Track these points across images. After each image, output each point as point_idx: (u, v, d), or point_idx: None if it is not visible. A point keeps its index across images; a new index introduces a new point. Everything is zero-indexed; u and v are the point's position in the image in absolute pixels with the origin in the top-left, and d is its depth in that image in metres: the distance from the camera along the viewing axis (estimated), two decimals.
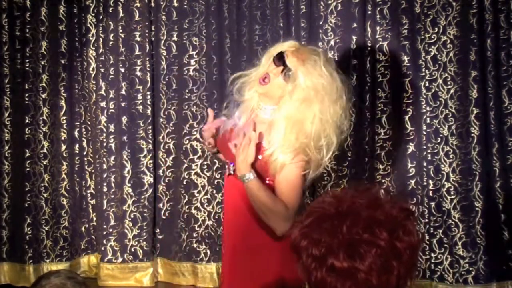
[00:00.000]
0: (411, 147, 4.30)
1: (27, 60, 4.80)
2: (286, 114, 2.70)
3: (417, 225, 1.66)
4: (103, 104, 4.85)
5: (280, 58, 2.75)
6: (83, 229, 4.99)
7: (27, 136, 4.82)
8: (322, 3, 4.40)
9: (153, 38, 4.79)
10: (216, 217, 4.65)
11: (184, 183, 4.67)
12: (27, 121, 4.81)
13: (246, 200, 2.76)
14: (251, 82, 2.85)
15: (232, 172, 2.80)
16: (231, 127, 2.89)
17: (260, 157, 2.73)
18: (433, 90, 4.23)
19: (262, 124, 2.78)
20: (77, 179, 4.98)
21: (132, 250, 4.83)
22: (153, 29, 4.79)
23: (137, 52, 4.79)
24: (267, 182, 2.75)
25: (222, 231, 3.03)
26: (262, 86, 2.76)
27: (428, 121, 4.24)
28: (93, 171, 4.96)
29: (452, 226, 4.20)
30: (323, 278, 1.58)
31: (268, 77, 2.75)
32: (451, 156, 4.21)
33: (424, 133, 4.25)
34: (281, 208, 2.68)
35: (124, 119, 4.81)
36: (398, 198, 1.65)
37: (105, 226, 4.85)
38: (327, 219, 1.60)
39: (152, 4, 4.78)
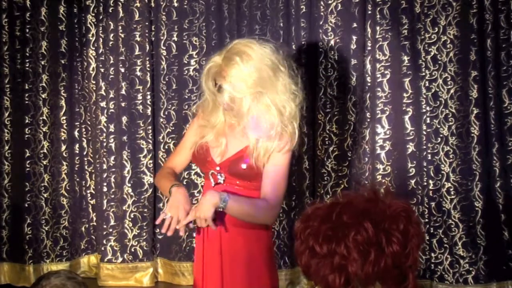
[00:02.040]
0: (411, 147, 4.30)
1: (27, 60, 4.80)
2: (258, 107, 2.79)
3: (420, 227, 1.66)
4: (103, 104, 4.85)
5: (220, 90, 2.82)
6: (83, 229, 4.99)
7: (27, 136, 4.82)
8: (322, 3, 4.40)
9: (153, 38, 4.80)
10: None
11: (184, 183, 4.67)
12: (27, 121, 4.81)
13: None
14: (210, 107, 2.91)
15: (222, 182, 2.87)
16: (205, 142, 2.92)
17: (244, 166, 2.83)
18: (433, 90, 4.23)
19: (236, 130, 2.87)
20: (77, 179, 4.98)
21: (132, 250, 4.83)
22: (153, 29, 4.79)
23: (137, 52, 4.79)
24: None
25: (197, 238, 3.03)
26: (230, 112, 2.84)
27: (428, 121, 4.24)
28: (93, 171, 4.96)
29: (452, 226, 4.20)
30: (307, 261, 1.62)
31: (228, 104, 2.81)
32: (451, 156, 4.21)
33: (424, 133, 4.25)
34: (263, 207, 2.79)
35: (124, 119, 4.81)
36: (399, 198, 1.66)
37: (105, 226, 4.85)
38: (324, 207, 1.64)
39: (152, 4, 4.78)
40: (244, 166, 2.83)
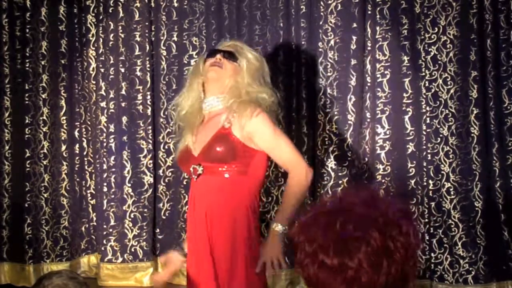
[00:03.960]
0: (411, 147, 4.30)
1: (27, 60, 4.81)
2: (239, 91, 2.92)
3: (417, 226, 1.65)
4: (103, 104, 4.85)
5: (214, 51, 3.00)
6: (83, 229, 4.99)
7: (27, 136, 4.82)
8: (322, 3, 4.40)
9: (153, 38, 4.80)
10: None
11: (184, 183, 4.67)
12: (27, 121, 4.81)
13: (218, 191, 2.89)
14: (187, 94, 3.03)
15: (201, 172, 2.91)
16: (186, 144, 3.00)
17: (232, 134, 2.88)
18: (433, 90, 4.23)
19: (218, 116, 2.95)
20: (77, 179, 4.98)
21: (132, 250, 4.83)
22: (153, 29, 4.79)
23: (137, 52, 4.79)
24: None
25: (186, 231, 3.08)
26: (218, 69, 2.94)
27: (428, 121, 4.24)
28: (93, 171, 4.96)
29: (452, 226, 4.20)
30: (315, 274, 1.59)
31: (217, 60, 2.94)
32: (451, 156, 4.21)
33: (424, 133, 4.25)
34: (294, 184, 2.90)
35: (124, 119, 4.81)
36: (396, 198, 1.65)
37: (105, 226, 4.85)
38: (323, 215, 1.61)
39: (152, 4, 4.78)
40: (219, 148, 2.87)
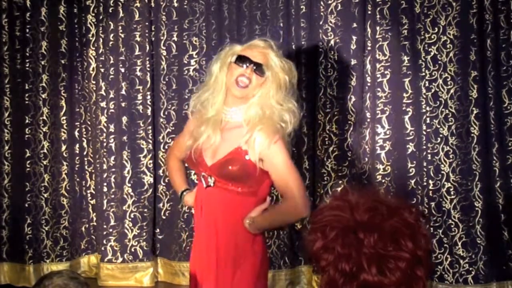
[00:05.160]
0: (411, 147, 4.30)
1: (27, 60, 4.80)
2: (261, 103, 2.83)
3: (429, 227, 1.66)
4: (103, 104, 4.85)
5: (245, 59, 2.84)
6: (83, 229, 4.99)
7: (27, 136, 4.82)
8: (322, 3, 4.40)
9: (153, 38, 4.80)
10: None
11: None
12: (27, 121, 4.81)
13: (226, 208, 2.86)
14: (212, 99, 2.90)
15: (212, 184, 2.87)
16: (199, 144, 2.92)
17: (247, 157, 2.81)
18: (433, 90, 4.23)
19: (236, 128, 2.87)
20: (77, 179, 4.98)
21: (132, 250, 4.83)
22: (153, 29, 4.79)
23: (137, 52, 4.79)
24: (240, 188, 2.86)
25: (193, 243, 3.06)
26: (243, 90, 2.83)
27: (428, 121, 4.24)
28: (93, 171, 4.96)
29: (452, 226, 4.21)
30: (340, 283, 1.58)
31: (246, 79, 2.82)
32: (451, 156, 4.21)
33: (424, 133, 4.25)
34: (285, 208, 2.84)
35: (124, 119, 4.81)
36: (411, 203, 1.65)
37: (105, 226, 4.85)
38: (350, 232, 1.58)
39: (152, 4, 4.78)
40: (232, 168, 2.82)
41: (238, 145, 2.83)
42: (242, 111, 2.86)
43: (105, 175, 4.84)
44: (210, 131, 2.87)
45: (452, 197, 4.21)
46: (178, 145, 3.15)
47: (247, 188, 2.85)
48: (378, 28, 4.31)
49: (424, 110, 4.25)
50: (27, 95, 4.81)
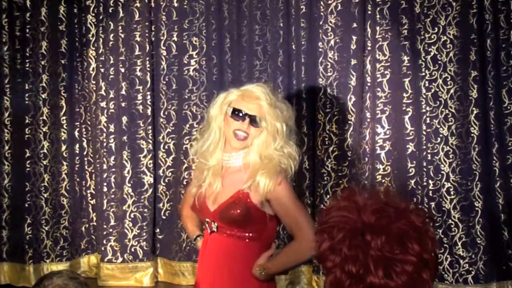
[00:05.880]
0: (411, 147, 4.30)
1: (27, 60, 4.80)
2: (265, 155, 2.84)
3: (435, 230, 1.66)
4: (103, 104, 4.85)
5: (239, 113, 2.85)
6: (83, 229, 4.99)
7: (27, 136, 4.82)
8: (322, 3, 4.40)
9: (153, 38, 4.80)
10: None
11: (184, 183, 4.67)
12: (27, 121, 4.81)
13: (229, 254, 2.86)
14: (212, 147, 2.92)
15: (215, 230, 2.87)
16: (202, 191, 2.93)
17: (249, 200, 2.81)
18: (433, 90, 4.23)
19: (236, 173, 2.89)
20: (77, 179, 4.98)
21: (132, 250, 4.83)
22: (153, 29, 4.79)
23: (137, 52, 4.79)
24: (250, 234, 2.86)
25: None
26: (242, 142, 2.86)
27: (428, 121, 4.24)
28: (93, 171, 4.96)
29: (452, 226, 4.21)
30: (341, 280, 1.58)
31: (243, 133, 2.84)
32: (451, 156, 4.21)
33: (424, 133, 4.25)
34: (296, 249, 2.82)
35: (124, 119, 4.81)
36: (417, 205, 1.64)
37: (105, 226, 4.85)
38: (357, 233, 1.57)
39: (152, 4, 4.78)
40: (235, 212, 2.82)
41: (239, 189, 2.84)
42: (241, 156, 2.89)
43: (105, 175, 4.84)
44: (211, 179, 2.90)
45: (452, 197, 4.21)
46: (188, 194, 3.16)
47: (250, 232, 2.84)
48: (378, 28, 4.31)
49: (424, 110, 4.25)
50: (27, 95, 4.81)
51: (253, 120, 2.84)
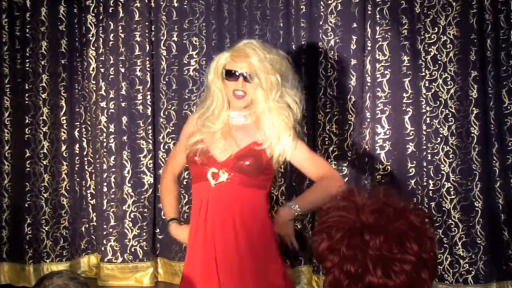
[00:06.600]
0: (411, 147, 4.30)
1: (27, 60, 4.80)
2: (267, 108, 2.98)
3: (435, 230, 1.65)
4: (103, 104, 4.85)
5: (232, 74, 2.98)
6: (83, 229, 4.99)
7: (27, 136, 4.82)
8: (322, 3, 4.40)
9: (153, 38, 4.80)
10: None
11: (184, 183, 4.67)
12: (27, 121, 4.81)
13: (240, 201, 2.95)
14: (217, 112, 3.03)
15: (224, 179, 2.94)
16: (206, 146, 3.01)
17: (262, 150, 2.96)
18: (433, 90, 4.23)
19: (246, 128, 3.02)
20: (77, 179, 4.98)
21: (132, 250, 4.83)
22: (153, 29, 4.79)
23: (137, 52, 4.79)
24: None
25: (195, 236, 3.07)
26: (243, 100, 2.98)
27: (428, 121, 4.24)
28: (93, 171, 4.96)
29: (452, 226, 4.21)
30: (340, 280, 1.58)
31: (240, 92, 2.97)
32: (451, 156, 4.21)
33: (424, 133, 4.25)
34: (326, 183, 2.95)
35: (124, 119, 4.81)
36: (416, 205, 1.65)
37: (105, 226, 4.85)
38: (356, 233, 1.58)
39: (152, 4, 4.78)
40: (248, 162, 2.93)
41: (254, 140, 2.98)
42: (249, 117, 3.03)
43: (105, 175, 4.84)
44: (220, 136, 3.00)
45: (452, 197, 4.21)
46: (173, 161, 3.26)
47: (260, 182, 2.96)
48: (378, 28, 4.30)
49: (424, 110, 4.24)
50: (27, 95, 4.81)
51: (246, 78, 2.95)
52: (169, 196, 3.23)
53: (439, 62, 4.21)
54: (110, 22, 4.81)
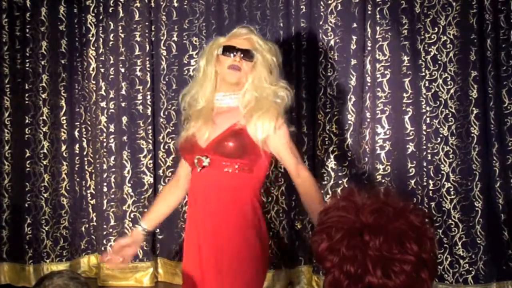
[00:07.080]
0: (411, 147, 4.30)
1: (27, 60, 4.80)
2: (255, 88, 2.96)
3: (435, 230, 1.65)
4: (103, 104, 4.85)
5: (230, 49, 2.96)
6: (83, 229, 5.00)
7: (27, 136, 4.82)
8: (322, 3, 4.40)
9: (153, 38, 4.80)
10: None
11: None
12: (27, 121, 4.81)
13: (219, 185, 2.91)
14: (201, 86, 3.02)
15: (207, 164, 2.91)
16: (192, 133, 2.99)
17: (244, 131, 2.91)
18: (433, 90, 4.23)
19: (231, 111, 2.97)
20: (77, 179, 4.98)
21: None
22: (153, 29, 4.80)
23: (137, 52, 4.79)
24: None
25: (187, 225, 3.11)
26: (237, 73, 2.94)
27: (428, 121, 4.24)
28: (93, 171, 4.96)
29: (452, 226, 4.20)
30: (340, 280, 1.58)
31: (236, 65, 2.94)
32: (451, 156, 4.21)
33: (424, 133, 4.25)
34: (311, 189, 2.94)
35: (124, 119, 4.81)
36: (416, 205, 1.65)
37: (105, 226, 4.85)
38: (355, 233, 1.58)
39: (152, 4, 4.78)
40: (231, 143, 2.89)
41: (235, 121, 2.92)
42: (236, 98, 2.97)
43: (105, 175, 4.84)
44: (202, 121, 2.96)
45: (452, 197, 4.21)
46: (179, 163, 3.23)
47: (243, 163, 2.90)
48: (378, 28, 4.30)
49: (424, 110, 4.24)
50: (27, 95, 4.81)
51: (245, 54, 2.94)
52: (156, 200, 3.28)
53: (439, 62, 4.20)
54: (110, 22, 4.82)
